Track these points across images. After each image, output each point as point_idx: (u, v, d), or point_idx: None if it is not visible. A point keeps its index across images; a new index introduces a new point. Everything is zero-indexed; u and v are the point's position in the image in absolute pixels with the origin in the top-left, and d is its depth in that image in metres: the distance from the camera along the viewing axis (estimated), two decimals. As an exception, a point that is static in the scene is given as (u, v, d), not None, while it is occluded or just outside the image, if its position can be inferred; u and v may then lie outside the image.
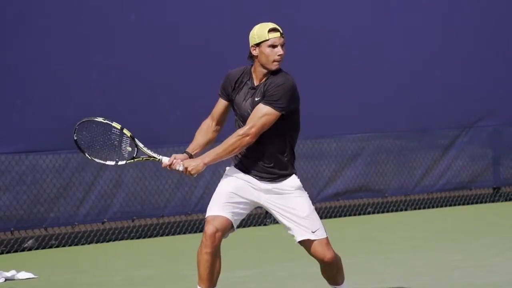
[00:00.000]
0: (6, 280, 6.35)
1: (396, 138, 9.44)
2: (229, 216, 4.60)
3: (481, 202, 9.82)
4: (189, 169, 4.68)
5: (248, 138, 4.57)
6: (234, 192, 4.64)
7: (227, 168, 4.78)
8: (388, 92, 9.36)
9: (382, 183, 9.29)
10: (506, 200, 9.96)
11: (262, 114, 4.56)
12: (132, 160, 4.81)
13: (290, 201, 4.61)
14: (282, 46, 4.61)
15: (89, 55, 7.78)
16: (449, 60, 9.70)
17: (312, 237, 4.59)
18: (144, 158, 4.81)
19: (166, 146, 8.18)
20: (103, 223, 7.89)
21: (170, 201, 8.17)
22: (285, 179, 4.63)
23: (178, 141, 8.25)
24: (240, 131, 4.61)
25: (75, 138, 4.87)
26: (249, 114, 4.60)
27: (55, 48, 7.65)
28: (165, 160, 4.76)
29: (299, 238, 4.60)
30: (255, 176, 4.64)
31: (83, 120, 4.89)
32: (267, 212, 8.72)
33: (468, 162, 9.75)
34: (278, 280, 6.17)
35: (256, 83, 4.65)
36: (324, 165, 8.96)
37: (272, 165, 4.62)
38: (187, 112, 8.27)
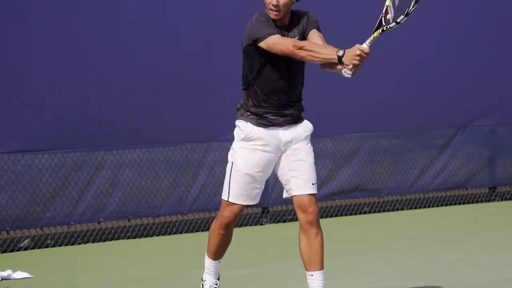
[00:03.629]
0: (2, 279, 6.34)
1: (392, 137, 9.44)
2: (246, 202, 4.67)
3: (477, 202, 9.82)
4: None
5: None
6: (253, 173, 4.64)
7: (243, 128, 4.68)
8: (384, 92, 9.36)
9: (378, 182, 9.29)
10: (502, 199, 9.97)
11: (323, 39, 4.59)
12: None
13: (302, 148, 4.66)
14: None
15: (85, 54, 7.77)
16: (446, 60, 9.71)
17: (310, 191, 4.61)
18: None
19: (162, 145, 8.18)
20: (99, 222, 7.88)
21: (166, 200, 8.16)
22: (301, 121, 4.69)
23: (174, 140, 8.25)
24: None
25: None
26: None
27: (52, 47, 7.64)
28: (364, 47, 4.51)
29: (299, 191, 4.59)
30: (278, 124, 4.62)
31: None
32: (263, 212, 8.71)
33: (464, 162, 9.75)
34: (274, 280, 6.17)
35: (280, 24, 4.62)
36: (320, 165, 8.96)
37: (296, 103, 4.65)
38: (184, 111, 8.26)
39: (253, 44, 4.57)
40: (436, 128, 9.68)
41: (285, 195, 4.72)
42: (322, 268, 4.56)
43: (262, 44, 4.54)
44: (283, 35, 4.59)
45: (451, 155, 9.67)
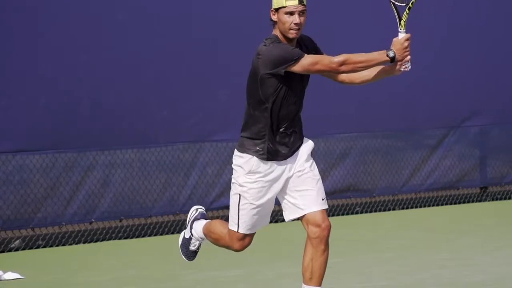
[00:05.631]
0: (-7, 280, 6.33)
1: (384, 138, 9.45)
2: (258, 229, 4.62)
3: (468, 202, 9.85)
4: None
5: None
6: (264, 202, 4.55)
7: (247, 161, 4.51)
8: (376, 92, 9.37)
9: (370, 182, 9.30)
10: (493, 199, 10.00)
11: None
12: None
13: (309, 166, 4.54)
14: (300, 14, 4.43)
15: (76, 54, 7.75)
16: (437, 60, 9.72)
17: (322, 206, 4.52)
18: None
19: (154, 146, 8.17)
20: (90, 223, 7.87)
21: (158, 201, 8.15)
22: (302, 142, 4.58)
23: (166, 141, 8.24)
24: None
25: None
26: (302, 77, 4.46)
27: (42, 47, 7.62)
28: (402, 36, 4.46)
29: (311, 208, 4.48)
30: (283, 155, 4.50)
31: None
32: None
33: (455, 162, 9.78)
34: (267, 280, 6.17)
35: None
36: (312, 165, 8.97)
37: (299, 125, 4.57)
38: (175, 112, 8.25)
39: (277, 70, 4.40)
40: (428, 129, 9.70)
41: (290, 216, 4.58)
42: (320, 285, 4.55)
43: (296, 67, 4.40)
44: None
45: (442, 155, 9.69)
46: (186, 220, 5.07)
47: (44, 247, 7.59)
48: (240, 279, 6.20)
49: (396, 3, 4.58)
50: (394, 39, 4.52)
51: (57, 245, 7.63)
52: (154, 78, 8.14)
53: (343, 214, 9.13)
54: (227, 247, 4.69)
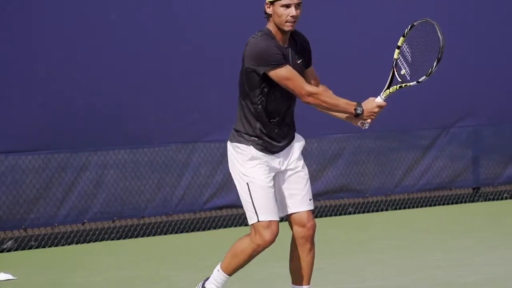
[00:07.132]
0: (-15, 281, 6.31)
1: (377, 138, 9.46)
2: (278, 215, 4.57)
3: (461, 202, 9.87)
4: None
5: None
6: (272, 185, 4.54)
7: (246, 150, 4.52)
8: (368, 93, 9.36)
9: (362, 183, 9.31)
10: (485, 200, 10.02)
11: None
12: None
13: (299, 164, 4.59)
14: (296, 6, 4.44)
15: (70, 55, 7.74)
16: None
17: (308, 207, 4.55)
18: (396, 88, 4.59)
19: (147, 146, 8.16)
20: (83, 223, 7.86)
21: (151, 201, 8.14)
22: (294, 135, 4.64)
23: (159, 141, 8.23)
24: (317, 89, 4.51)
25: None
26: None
27: (36, 48, 7.61)
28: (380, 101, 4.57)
29: (298, 208, 4.51)
30: (279, 149, 4.54)
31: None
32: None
33: (448, 163, 9.79)
34: (260, 280, 6.17)
35: (283, 44, 4.48)
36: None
37: (291, 119, 4.61)
38: (168, 112, 8.25)
39: (256, 68, 4.42)
40: (420, 129, 9.72)
41: (279, 214, 4.58)
42: (309, 284, 4.57)
43: (271, 73, 4.43)
44: (284, 56, 4.46)
45: (435, 155, 9.71)
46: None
47: (37, 247, 7.57)
48: (234, 279, 6.18)
49: (396, 74, 4.69)
50: (371, 98, 4.68)
51: (50, 246, 7.61)
52: (147, 79, 8.13)
53: (335, 215, 9.14)
54: (257, 247, 4.54)
